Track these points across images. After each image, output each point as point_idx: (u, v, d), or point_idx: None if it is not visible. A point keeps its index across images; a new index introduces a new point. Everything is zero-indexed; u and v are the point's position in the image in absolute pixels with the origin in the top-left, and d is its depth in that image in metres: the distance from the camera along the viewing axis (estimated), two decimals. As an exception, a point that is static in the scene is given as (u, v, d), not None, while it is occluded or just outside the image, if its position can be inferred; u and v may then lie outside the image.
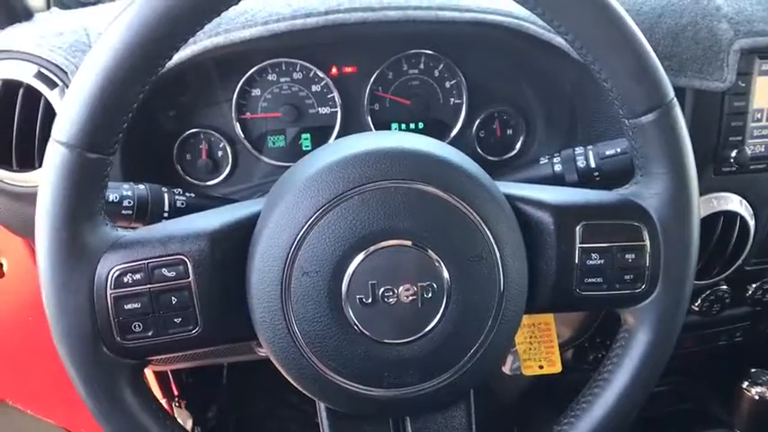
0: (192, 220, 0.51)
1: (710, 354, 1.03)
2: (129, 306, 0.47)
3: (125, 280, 0.46)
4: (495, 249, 0.48)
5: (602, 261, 0.51)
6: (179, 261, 0.47)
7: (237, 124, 0.78)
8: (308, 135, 0.80)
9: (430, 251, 0.47)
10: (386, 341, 0.47)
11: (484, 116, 0.81)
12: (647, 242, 0.51)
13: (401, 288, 0.46)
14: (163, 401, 1.17)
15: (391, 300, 0.46)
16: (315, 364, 0.47)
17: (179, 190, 0.66)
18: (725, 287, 0.88)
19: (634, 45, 0.47)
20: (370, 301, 0.46)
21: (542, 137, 0.82)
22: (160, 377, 1.14)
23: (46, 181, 0.44)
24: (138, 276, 0.47)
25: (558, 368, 0.74)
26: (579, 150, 0.68)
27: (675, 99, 0.49)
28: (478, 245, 0.47)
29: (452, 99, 0.81)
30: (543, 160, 0.69)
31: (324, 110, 0.79)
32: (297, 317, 0.46)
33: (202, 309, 0.48)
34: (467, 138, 0.81)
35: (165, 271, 0.47)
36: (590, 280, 0.52)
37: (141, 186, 0.63)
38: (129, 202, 0.61)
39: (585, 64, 0.49)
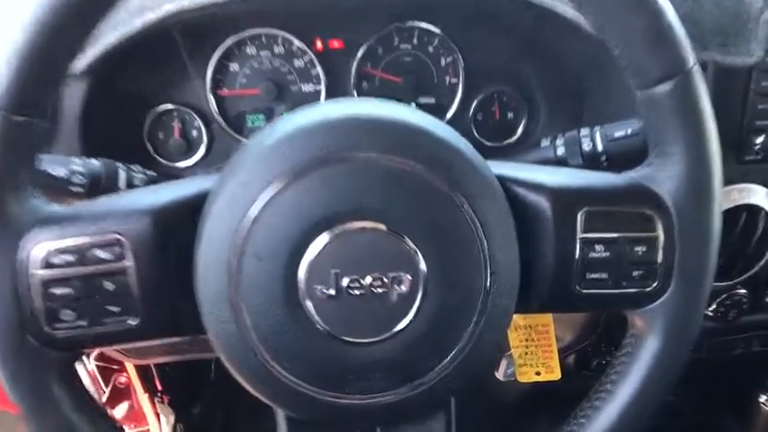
0: (133, 196, 0.44)
1: (725, 363, 0.96)
2: (59, 291, 0.40)
3: (55, 261, 0.40)
4: (482, 237, 0.41)
5: (608, 254, 0.44)
6: (115, 241, 0.41)
7: (213, 101, 0.72)
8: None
9: (404, 236, 0.40)
10: (350, 340, 0.40)
11: (482, 97, 0.75)
12: (661, 233, 0.44)
13: (369, 278, 0.40)
14: (144, 396, 1.12)
15: (357, 292, 0.40)
16: (269, 365, 0.41)
17: (137, 167, 0.60)
18: (743, 291, 0.81)
19: (649, 2, 0.40)
20: (332, 292, 0.40)
21: (546, 121, 0.75)
22: (142, 371, 1.09)
23: None
24: (69, 257, 0.40)
25: (556, 375, 0.67)
26: (585, 132, 0.60)
27: (698, 66, 0.42)
28: (462, 231, 0.41)
29: (448, 78, 0.74)
30: (545, 143, 0.62)
31: (307, 87, 0.73)
32: (248, 309, 0.40)
33: (143, 297, 0.41)
34: (463, 121, 0.74)
35: (99, 252, 0.41)
36: (593, 276, 0.45)
37: (95, 161, 0.57)
38: (80, 179, 0.55)
39: (594, 33, 0.42)
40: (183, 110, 0.72)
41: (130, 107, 0.71)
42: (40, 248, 0.40)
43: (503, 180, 0.44)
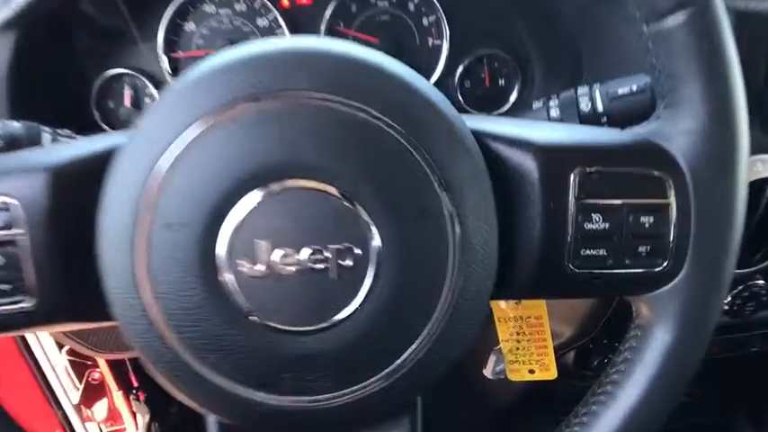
0: (30, 153, 0.37)
1: (739, 361, 0.88)
2: None
3: None
4: (448, 203, 0.33)
5: (607, 225, 0.36)
6: (2, 205, 0.33)
7: (166, 64, 0.64)
8: None
9: (351, 199, 0.32)
10: (282, 327, 0.33)
11: (469, 61, 0.67)
12: (673, 200, 0.36)
13: (306, 251, 0.32)
14: (119, 394, 1.05)
15: (291, 268, 0.32)
16: (186, 358, 0.33)
17: (67, 131, 0.52)
18: (761, 282, 0.73)
19: None
20: (260, 268, 0.32)
21: (541, 87, 0.67)
22: (115, 366, 1.02)
23: None
24: None
25: (552, 374, 0.59)
26: (583, 90, 0.52)
27: None
28: (425, 195, 0.33)
29: (431, 39, 0.66)
30: (536, 104, 0.53)
31: (270, 48, 0.65)
32: (157, 290, 0.32)
33: (38, 273, 0.34)
34: (448, 88, 0.67)
35: None
36: (589, 252, 0.37)
37: (15, 123, 0.49)
38: None
39: None
40: (134, 75, 0.65)
41: (74, 70, 0.64)
42: None
43: (480, 136, 0.36)
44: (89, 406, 1.03)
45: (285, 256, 0.32)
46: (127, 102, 0.65)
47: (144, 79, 0.65)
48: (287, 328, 0.33)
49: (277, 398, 0.34)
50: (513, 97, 0.68)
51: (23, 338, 0.90)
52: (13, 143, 0.48)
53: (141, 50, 0.64)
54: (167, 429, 1.09)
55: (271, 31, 0.64)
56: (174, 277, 0.32)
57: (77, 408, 1.01)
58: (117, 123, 0.65)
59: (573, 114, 0.52)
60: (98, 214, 0.33)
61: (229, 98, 0.32)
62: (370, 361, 0.34)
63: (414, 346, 0.34)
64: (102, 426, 1.06)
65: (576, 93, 0.52)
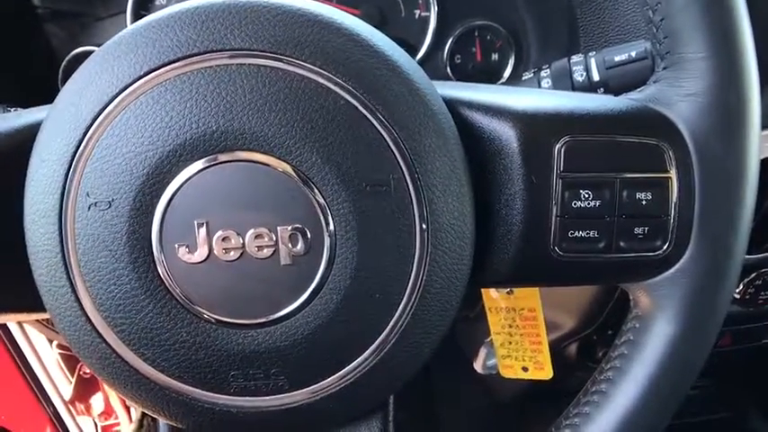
0: None
1: (750, 354, 0.83)
2: None
3: None
4: (417, 179, 0.29)
5: (598, 203, 0.32)
6: None
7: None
8: None
9: (302, 173, 0.28)
10: (227, 320, 0.29)
11: (459, 33, 0.62)
12: (673, 173, 0.32)
13: (250, 233, 0.28)
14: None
15: (233, 253, 0.28)
16: (120, 352, 0.29)
17: (19, 109, 0.48)
18: (775, 268, 0.68)
19: None
20: (198, 253, 0.28)
21: (537, 61, 0.62)
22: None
23: None
24: None
25: (546, 374, 0.54)
26: (577, 59, 0.47)
27: None
28: (384, 167, 0.29)
29: (417, 11, 0.62)
30: (527, 75, 0.49)
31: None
32: (86, 276, 0.29)
33: None
34: (436, 63, 0.62)
35: None
36: (578, 234, 0.32)
37: None
38: None
39: None
40: None
41: (40, 48, 0.60)
42: None
43: (453, 103, 0.32)
44: (82, 400, 1.00)
45: (227, 239, 0.28)
46: (95, 81, 0.61)
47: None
48: (232, 320, 0.29)
49: (225, 398, 0.30)
50: (507, 72, 0.63)
51: (8, 335, 0.88)
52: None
53: (109, 27, 0.61)
54: (158, 422, 1.07)
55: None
56: (103, 263, 0.28)
57: (69, 403, 0.98)
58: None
59: (566, 85, 0.48)
60: (23, 195, 0.30)
61: (157, 61, 0.28)
62: (327, 358, 0.30)
63: (376, 342, 0.30)
64: (96, 420, 1.03)
65: (570, 62, 0.48)
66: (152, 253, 0.28)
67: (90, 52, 0.60)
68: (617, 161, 0.32)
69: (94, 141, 0.28)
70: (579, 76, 0.47)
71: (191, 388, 0.30)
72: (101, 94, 0.28)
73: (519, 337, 0.54)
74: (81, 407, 1.00)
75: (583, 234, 0.32)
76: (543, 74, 0.48)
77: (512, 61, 0.63)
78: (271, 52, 0.28)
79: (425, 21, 0.62)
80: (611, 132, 0.32)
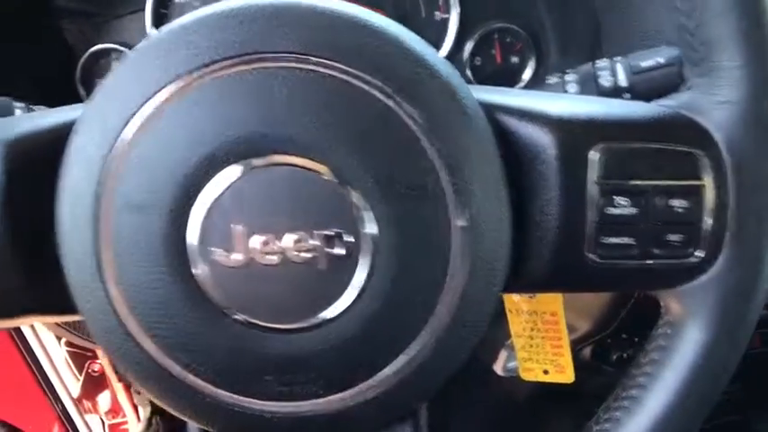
0: None
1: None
2: None
3: None
4: (456, 183, 0.29)
5: (633, 210, 0.32)
6: None
7: (156, 39, 0.60)
8: None
9: (341, 177, 0.28)
10: (265, 325, 0.29)
11: (479, 36, 0.62)
12: (708, 181, 0.32)
13: (289, 238, 0.28)
14: (119, 386, 1.02)
15: (272, 257, 0.28)
16: (156, 358, 0.29)
17: (41, 107, 0.48)
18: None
19: None
20: (237, 257, 0.28)
21: (557, 66, 0.62)
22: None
23: None
24: None
25: (568, 377, 0.54)
26: (603, 64, 0.47)
27: None
28: (425, 172, 0.29)
29: (437, 12, 0.61)
30: (551, 79, 0.49)
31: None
32: (121, 282, 0.28)
33: None
34: (456, 65, 0.61)
35: None
36: (612, 241, 0.32)
37: None
38: None
39: None
40: (122, 50, 0.61)
41: (56, 45, 0.60)
42: None
43: (488, 108, 0.32)
44: (90, 398, 1.00)
45: (266, 243, 0.28)
46: (114, 80, 0.61)
47: (132, 55, 0.61)
48: (270, 325, 0.29)
49: (259, 403, 0.30)
50: (527, 75, 0.63)
51: (18, 331, 0.88)
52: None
53: (128, 24, 0.61)
54: (169, 422, 1.07)
55: (266, 3, 0.60)
56: (137, 268, 0.28)
57: (77, 401, 0.98)
58: (104, 103, 0.62)
59: (592, 90, 0.47)
60: (56, 195, 0.30)
61: (198, 62, 0.28)
62: (363, 363, 0.30)
63: (413, 347, 0.30)
64: (104, 418, 1.03)
65: (595, 66, 0.48)
66: (188, 257, 0.28)
67: (108, 50, 0.61)
68: (652, 168, 0.32)
69: (131, 143, 0.28)
70: (605, 81, 0.46)
71: (225, 392, 0.30)
72: (138, 96, 0.28)
73: (540, 340, 0.54)
74: (88, 405, 1.00)
75: (617, 241, 0.32)
76: (568, 78, 0.48)
77: (532, 64, 0.63)
78: (309, 55, 0.28)
79: (445, 22, 0.61)
80: (646, 139, 0.32)
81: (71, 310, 0.31)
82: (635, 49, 0.52)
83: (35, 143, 0.31)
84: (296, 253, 0.28)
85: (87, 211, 0.28)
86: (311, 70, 0.28)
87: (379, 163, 0.28)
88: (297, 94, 0.28)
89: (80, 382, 0.97)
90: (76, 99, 0.61)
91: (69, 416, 1.01)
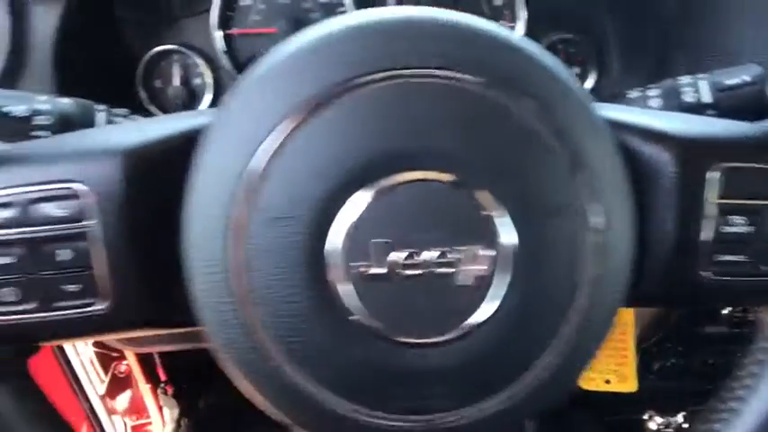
0: (99, 133, 0.33)
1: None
2: None
3: None
4: (588, 197, 0.29)
5: (752, 229, 0.32)
6: (72, 193, 0.29)
7: (220, 41, 0.59)
8: None
9: (485, 193, 0.28)
10: (403, 340, 0.28)
11: (544, 46, 0.61)
12: None
13: (431, 253, 0.28)
14: (147, 387, 1.02)
15: (414, 271, 0.28)
16: (284, 370, 0.29)
17: (123, 110, 0.48)
18: None
19: None
20: (376, 272, 0.28)
21: (619, 78, 0.62)
22: (144, 360, 0.99)
23: None
24: (7, 213, 0.29)
25: (631, 386, 0.55)
26: (686, 80, 0.47)
27: None
28: (564, 187, 0.29)
29: (503, 22, 0.61)
30: (633, 94, 0.49)
31: (333, 27, 0.60)
32: (256, 293, 0.28)
33: (112, 271, 0.30)
34: None
35: (49, 207, 0.29)
36: (726, 258, 0.33)
37: (66, 100, 0.45)
38: (45, 119, 0.43)
39: None
40: (185, 52, 0.60)
41: (126, 48, 0.60)
42: None
43: (614, 126, 0.32)
44: (113, 399, 0.99)
45: (407, 257, 0.28)
46: (177, 81, 0.61)
47: (195, 57, 0.60)
48: (405, 339, 0.29)
49: (387, 418, 0.30)
50: (588, 86, 0.63)
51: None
52: (65, 122, 0.44)
53: (191, 25, 0.60)
54: (195, 424, 1.06)
55: (332, 8, 0.60)
56: (275, 279, 0.28)
57: (103, 399, 0.98)
58: (164, 104, 0.61)
59: (674, 106, 0.48)
60: (184, 203, 0.29)
61: (336, 78, 0.27)
62: (496, 377, 0.30)
63: (543, 359, 0.30)
64: (127, 419, 1.03)
65: (677, 82, 0.48)
66: (327, 270, 0.28)
67: (170, 51, 0.60)
68: (766, 188, 0.32)
69: (272, 156, 0.28)
70: (689, 97, 0.47)
71: (354, 406, 0.29)
72: (281, 107, 0.28)
73: (606, 350, 0.54)
74: (112, 405, 1.00)
75: (731, 258, 0.33)
76: (651, 93, 0.48)
77: (594, 76, 0.63)
78: (452, 70, 0.28)
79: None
80: (764, 160, 0.32)
81: (187, 321, 0.31)
82: (711, 66, 0.52)
83: (157, 151, 0.31)
84: (436, 268, 0.28)
85: (220, 222, 0.28)
86: (462, 88, 0.28)
87: (527, 183, 0.28)
88: (440, 109, 0.28)
89: (105, 383, 0.96)
90: (135, 101, 0.61)
91: (97, 415, 1.00)
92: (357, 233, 0.28)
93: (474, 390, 0.30)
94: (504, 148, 0.28)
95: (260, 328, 0.28)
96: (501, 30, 0.30)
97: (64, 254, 0.30)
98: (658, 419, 0.79)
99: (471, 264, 0.28)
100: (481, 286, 0.28)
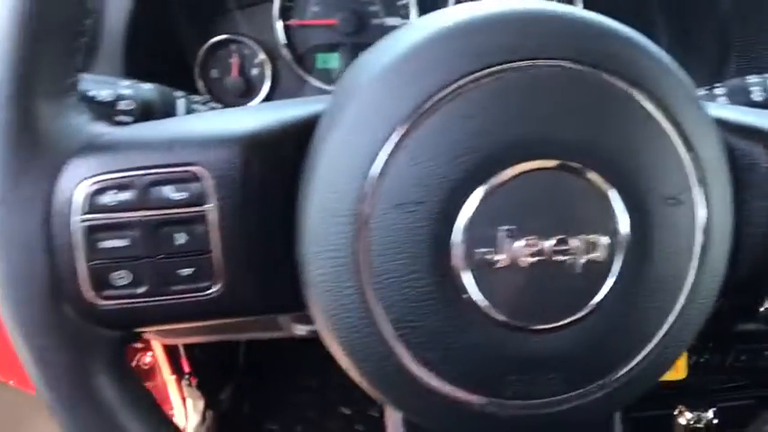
0: (216, 118, 0.34)
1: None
2: (109, 243, 0.30)
3: (105, 201, 0.29)
4: (699, 188, 0.30)
5: None
6: (192, 175, 0.30)
7: (280, 32, 0.60)
8: None
9: (605, 183, 0.29)
10: (521, 325, 0.29)
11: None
12: None
13: (552, 241, 0.28)
14: (172, 378, 1.02)
15: (534, 258, 0.28)
16: (399, 355, 0.30)
17: (205, 97, 0.48)
18: None
19: None
20: (499, 259, 0.28)
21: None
22: (170, 351, 0.99)
23: None
24: (126, 195, 0.30)
25: (680, 374, 0.56)
26: (754, 79, 0.49)
27: None
28: (678, 178, 0.30)
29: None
30: (700, 92, 0.50)
31: (393, 21, 0.61)
32: (379, 279, 0.29)
33: (227, 255, 0.30)
34: None
35: (169, 190, 0.30)
36: None
37: (148, 86, 0.46)
38: (129, 105, 0.43)
39: None
40: (244, 42, 0.61)
41: (183, 38, 0.60)
42: (87, 183, 0.29)
43: (720, 124, 0.33)
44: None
45: (529, 246, 0.28)
46: (234, 72, 0.61)
47: (254, 47, 0.61)
48: (523, 324, 0.29)
49: (497, 402, 0.30)
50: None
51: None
52: (146, 108, 0.45)
53: (250, 15, 0.61)
54: (219, 417, 1.07)
55: (393, 2, 0.60)
56: (399, 265, 0.29)
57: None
58: (221, 95, 0.62)
59: (742, 104, 0.49)
60: (304, 190, 0.30)
61: (479, 63, 0.28)
62: (603, 363, 0.31)
63: (647, 348, 0.31)
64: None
65: (745, 81, 0.49)
66: (451, 256, 0.29)
67: (228, 42, 0.61)
68: None
69: (402, 141, 0.28)
70: (757, 95, 0.48)
71: (465, 392, 0.30)
72: (414, 93, 0.28)
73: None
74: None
75: None
76: (718, 91, 0.49)
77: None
78: (581, 62, 0.29)
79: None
80: None
81: (299, 306, 0.32)
82: (766, 66, 0.53)
83: (278, 135, 0.31)
84: (556, 255, 0.29)
85: (345, 207, 0.29)
86: (582, 77, 0.29)
87: (647, 174, 0.29)
88: (567, 98, 0.29)
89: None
90: (192, 91, 0.61)
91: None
92: (482, 218, 0.28)
93: (581, 376, 0.31)
94: (626, 139, 0.29)
95: (381, 312, 0.29)
96: (624, 27, 0.31)
97: (179, 237, 0.30)
98: (688, 415, 0.80)
99: (590, 252, 0.29)
100: (598, 274, 0.29)
